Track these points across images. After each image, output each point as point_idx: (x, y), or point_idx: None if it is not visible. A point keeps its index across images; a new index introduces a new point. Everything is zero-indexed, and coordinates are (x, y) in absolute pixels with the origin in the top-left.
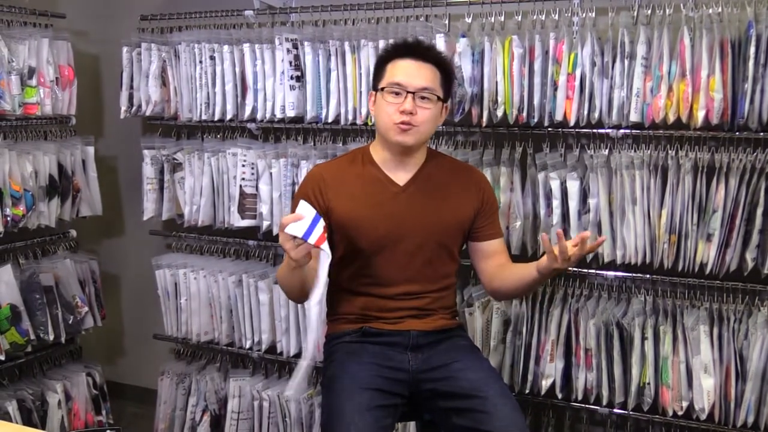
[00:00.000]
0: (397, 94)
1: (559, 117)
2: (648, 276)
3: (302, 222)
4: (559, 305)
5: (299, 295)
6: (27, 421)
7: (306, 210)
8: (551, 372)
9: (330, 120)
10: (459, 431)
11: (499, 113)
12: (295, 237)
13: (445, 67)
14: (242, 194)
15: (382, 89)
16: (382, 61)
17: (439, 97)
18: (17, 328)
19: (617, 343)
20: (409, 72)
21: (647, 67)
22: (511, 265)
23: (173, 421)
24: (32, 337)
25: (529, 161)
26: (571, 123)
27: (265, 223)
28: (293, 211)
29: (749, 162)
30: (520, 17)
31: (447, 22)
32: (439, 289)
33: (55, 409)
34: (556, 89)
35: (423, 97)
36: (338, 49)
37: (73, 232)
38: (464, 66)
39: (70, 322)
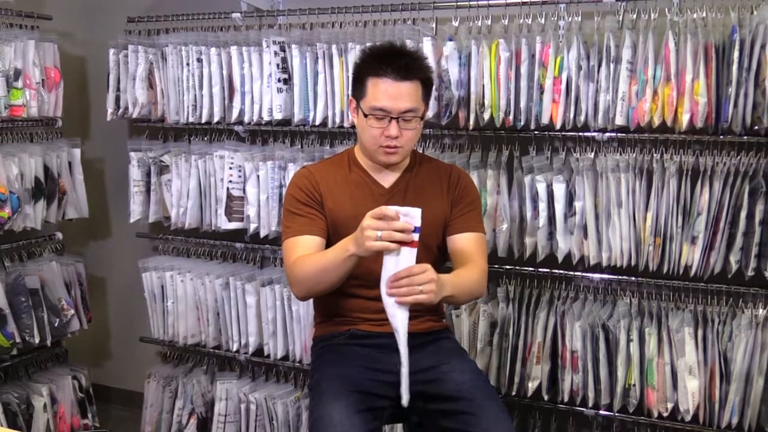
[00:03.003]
0: (380, 118)
1: (545, 120)
2: (633, 278)
3: (416, 218)
4: (546, 307)
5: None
6: (12, 425)
7: (415, 213)
8: (538, 374)
9: (317, 123)
10: None
11: (486, 116)
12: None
13: (425, 79)
14: (229, 197)
15: (366, 115)
16: (363, 73)
17: (421, 117)
18: (2, 331)
19: (603, 345)
20: (391, 94)
21: (632, 71)
22: (462, 267)
23: (160, 424)
24: (18, 340)
25: (515, 164)
26: (558, 126)
27: (252, 226)
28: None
29: (733, 165)
30: (506, 21)
31: (434, 25)
32: None
33: (41, 412)
34: (542, 93)
35: (407, 119)
36: (326, 51)
37: (59, 235)
38: (451, 69)
39: (56, 324)
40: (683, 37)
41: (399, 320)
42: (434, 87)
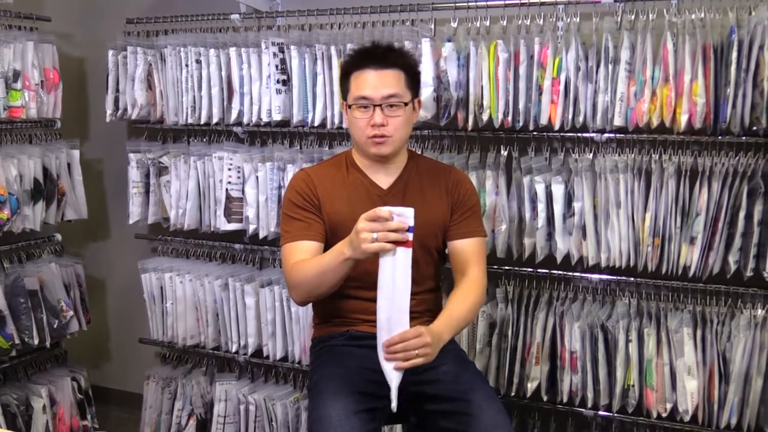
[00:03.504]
0: (364, 107)
1: (544, 121)
2: (632, 279)
3: (410, 218)
4: (545, 308)
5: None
6: (11, 426)
7: (409, 213)
8: (537, 375)
9: (316, 124)
10: None
11: (485, 117)
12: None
13: (407, 68)
14: (228, 198)
15: (350, 106)
16: (345, 73)
17: (406, 103)
18: (2, 332)
19: (602, 346)
20: (371, 83)
21: (631, 72)
22: (458, 289)
23: (159, 425)
24: (17, 341)
25: (514, 165)
26: (556, 127)
27: (251, 227)
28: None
29: (731, 166)
30: (505, 22)
31: (433, 26)
32: (424, 291)
33: (40, 413)
34: (541, 93)
35: (391, 105)
36: (324, 53)
37: (58, 236)
38: (450, 70)
39: (55, 326)
40: (681, 38)
41: (394, 380)
42: (433, 88)
